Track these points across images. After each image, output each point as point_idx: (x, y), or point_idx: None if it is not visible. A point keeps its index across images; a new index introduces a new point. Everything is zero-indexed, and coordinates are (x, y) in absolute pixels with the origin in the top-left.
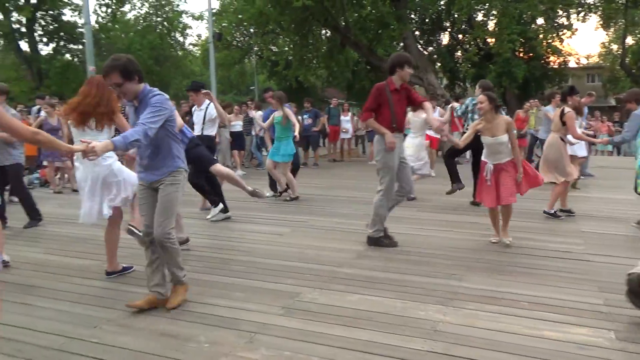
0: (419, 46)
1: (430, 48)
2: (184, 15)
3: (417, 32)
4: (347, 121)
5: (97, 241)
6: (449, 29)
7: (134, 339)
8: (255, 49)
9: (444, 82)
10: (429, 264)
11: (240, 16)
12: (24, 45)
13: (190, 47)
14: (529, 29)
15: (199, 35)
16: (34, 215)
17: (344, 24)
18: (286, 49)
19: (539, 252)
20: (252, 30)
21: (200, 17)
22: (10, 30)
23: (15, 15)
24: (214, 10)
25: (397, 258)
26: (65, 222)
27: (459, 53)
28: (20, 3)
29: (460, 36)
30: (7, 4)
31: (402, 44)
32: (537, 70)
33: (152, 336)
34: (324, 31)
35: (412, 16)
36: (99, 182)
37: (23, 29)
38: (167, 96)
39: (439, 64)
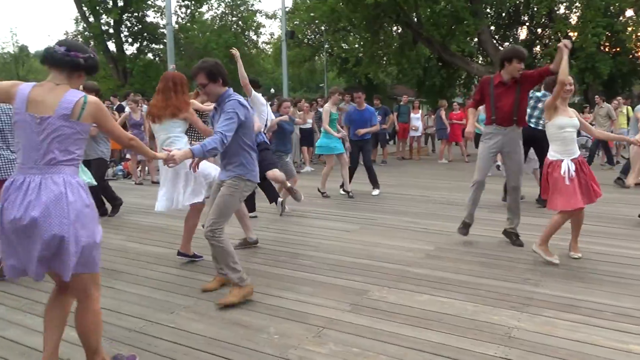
0: (495, 41)
1: (507, 43)
2: (258, 14)
3: (492, 27)
4: (417, 119)
5: (173, 231)
6: (527, 23)
7: (208, 327)
8: (326, 46)
9: None
10: (503, 267)
11: (312, 14)
12: (111, 46)
13: (263, 45)
14: (616, 22)
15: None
16: (115, 203)
17: (416, 20)
18: (357, 46)
19: (624, 259)
20: (323, 27)
21: (273, 16)
22: (100, 32)
23: (104, 18)
24: (287, 9)
25: (468, 260)
26: (145, 212)
27: (537, 48)
28: (109, 6)
29: (539, 30)
30: (97, 7)
31: (476, 40)
32: (625, 66)
33: (224, 325)
34: (395, 28)
35: (488, 10)
36: (182, 174)
37: (111, 30)
38: (242, 100)
39: None
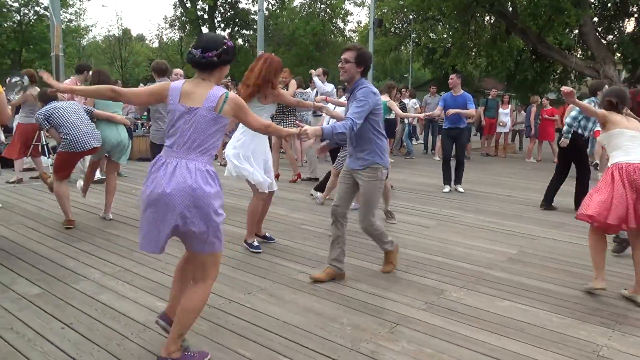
0: (597, 34)
1: (610, 36)
2: (346, 2)
3: (595, 19)
4: (505, 114)
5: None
6: (635, 15)
7: (282, 310)
8: (413, 35)
9: (623, 75)
10: (590, 278)
11: (401, 2)
12: (205, 31)
13: (350, 33)
14: None
15: (359, 22)
16: None
17: (511, 9)
18: (445, 36)
19: None
20: (411, 16)
21: (362, 4)
22: (196, 17)
23: (200, 4)
24: None
25: (555, 267)
26: (228, 193)
27: None
28: None
29: None
30: None
31: (576, 32)
32: None
33: (298, 310)
34: (487, 17)
35: (592, 0)
36: (261, 160)
37: (205, 16)
38: (373, 89)
39: (619, 55)
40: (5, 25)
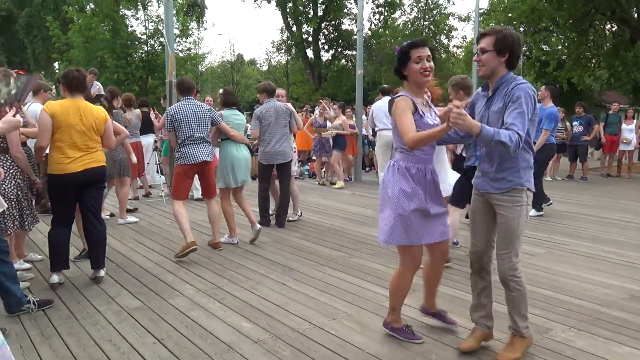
0: None
1: None
2: (450, 18)
3: None
4: (629, 130)
5: (347, 234)
6: None
7: (368, 340)
8: (524, 48)
9: None
10: None
11: (509, 15)
12: (309, 53)
13: (454, 49)
14: None
15: (464, 37)
16: (261, 214)
17: (636, 15)
18: (559, 47)
19: None
20: (521, 29)
21: (467, 19)
22: (301, 40)
23: (305, 27)
24: (482, 11)
25: None
26: (323, 213)
27: None
28: (310, 16)
29: None
30: (300, 18)
31: None
32: None
33: (385, 341)
34: (608, 25)
35: None
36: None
37: (310, 38)
38: (530, 88)
39: None
40: (135, 55)
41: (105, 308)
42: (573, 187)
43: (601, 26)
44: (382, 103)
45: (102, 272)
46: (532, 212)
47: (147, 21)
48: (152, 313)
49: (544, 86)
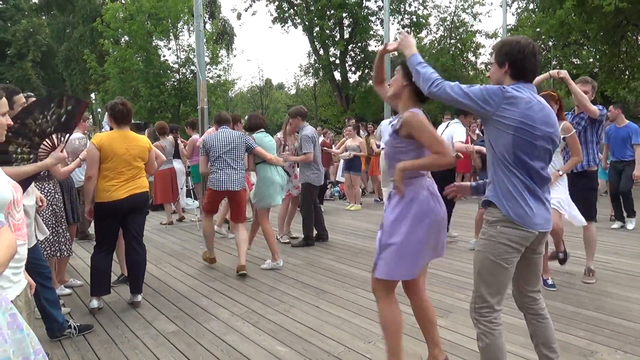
0: None
1: None
2: (477, 35)
3: None
4: None
5: None
6: None
7: None
8: (554, 62)
9: None
10: None
11: (538, 29)
12: (336, 75)
13: (482, 66)
14: None
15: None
16: (307, 235)
17: None
18: (591, 60)
19: None
20: (550, 43)
21: (494, 35)
22: (328, 63)
23: (332, 50)
24: (509, 27)
25: None
26: (355, 234)
27: None
28: (336, 39)
29: None
30: (327, 41)
31: None
32: None
33: None
34: None
35: None
36: None
37: (337, 61)
38: (510, 90)
39: None
40: (168, 84)
41: (142, 332)
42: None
43: (633, 37)
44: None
45: (139, 297)
46: (630, 225)
47: (178, 50)
48: (188, 337)
49: (612, 106)
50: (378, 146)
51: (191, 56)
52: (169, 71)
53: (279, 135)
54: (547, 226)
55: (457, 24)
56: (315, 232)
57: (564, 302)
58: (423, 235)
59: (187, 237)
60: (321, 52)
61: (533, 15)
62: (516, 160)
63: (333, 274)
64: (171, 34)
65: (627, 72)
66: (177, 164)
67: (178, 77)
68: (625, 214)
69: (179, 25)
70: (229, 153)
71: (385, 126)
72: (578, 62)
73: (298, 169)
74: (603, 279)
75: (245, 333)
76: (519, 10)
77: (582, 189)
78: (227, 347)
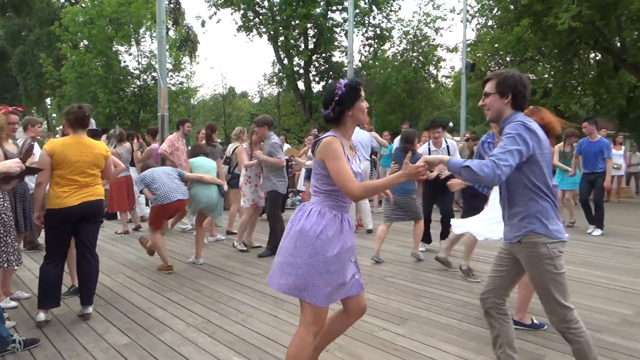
0: None
1: None
2: (439, 49)
3: None
4: (619, 156)
5: None
6: None
7: None
8: None
9: None
10: None
11: (496, 45)
12: (300, 85)
13: (443, 79)
14: None
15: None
16: (275, 245)
17: (619, 44)
18: (546, 76)
19: None
20: (508, 59)
21: (454, 49)
22: (292, 72)
23: (296, 60)
24: (469, 42)
25: None
26: None
27: None
28: (301, 49)
29: None
30: (291, 51)
31: None
32: None
33: None
34: (592, 54)
35: None
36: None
37: (301, 71)
38: (531, 123)
39: None
40: (128, 90)
41: (92, 346)
42: (564, 212)
43: (585, 55)
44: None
45: (90, 309)
46: (597, 232)
47: (140, 56)
48: (141, 350)
49: (586, 122)
50: None
51: (153, 62)
52: (129, 77)
53: (245, 145)
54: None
55: (420, 38)
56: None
57: (513, 308)
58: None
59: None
60: (285, 61)
61: (492, 32)
62: (546, 185)
63: None
64: (133, 39)
65: (579, 88)
66: (134, 172)
67: (139, 84)
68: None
69: (141, 30)
70: (171, 181)
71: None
72: (534, 78)
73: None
74: None
75: (201, 344)
76: (478, 26)
77: None
78: (181, 359)
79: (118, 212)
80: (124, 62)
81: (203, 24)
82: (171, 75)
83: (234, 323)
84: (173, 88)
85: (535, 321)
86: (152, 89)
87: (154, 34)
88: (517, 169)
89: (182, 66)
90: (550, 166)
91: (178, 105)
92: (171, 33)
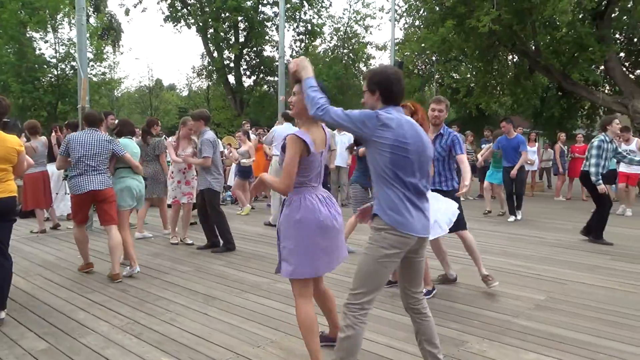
0: (625, 69)
1: (639, 71)
2: (368, 46)
3: (622, 54)
4: (533, 152)
5: (272, 259)
6: None
7: None
8: (437, 76)
9: None
10: (629, 328)
11: (423, 45)
12: (231, 79)
13: None
14: None
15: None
16: (226, 239)
17: (534, 47)
18: (468, 75)
19: None
20: (434, 58)
21: (383, 48)
22: (222, 66)
23: (226, 53)
24: (397, 40)
25: (587, 315)
26: (247, 239)
27: None
28: (231, 42)
29: None
30: (221, 44)
31: (602, 67)
32: None
33: None
34: (510, 56)
35: (617, 36)
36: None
37: (231, 65)
38: (385, 115)
39: None
40: (44, 80)
41: (6, 353)
42: (483, 205)
43: (504, 57)
44: (284, 128)
45: (2, 314)
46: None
47: (57, 44)
48: (61, 354)
49: (503, 121)
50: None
51: (72, 51)
52: (45, 66)
53: (172, 139)
54: (425, 232)
55: (350, 35)
56: (209, 239)
57: (440, 298)
58: (312, 237)
59: (62, 247)
60: (215, 54)
61: (419, 31)
62: (394, 175)
63: (223, 279)
64: (49, 25)
65: (498, 88)
66: (52, 167)
67: (56, 73)
68: (516, 210)
69: (59, 17)
70: (93, 158)
71: (279, 135)
72: (458, 77)
73: (192, 175)
74: (475, 275)
75: (127, 346)
76: (406, 26)
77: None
78: None
79: (34, 210)
80: (39, 49)
81: (127, 12)
82: (92, 66)
83: (163, 322)
84: (94, 79)
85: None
86: (72, 80)
87: (73, 21)
88: (370, 154)
89: (105, 56)
90: (426, 162)
91: (100, 97)
92: (92, 20)
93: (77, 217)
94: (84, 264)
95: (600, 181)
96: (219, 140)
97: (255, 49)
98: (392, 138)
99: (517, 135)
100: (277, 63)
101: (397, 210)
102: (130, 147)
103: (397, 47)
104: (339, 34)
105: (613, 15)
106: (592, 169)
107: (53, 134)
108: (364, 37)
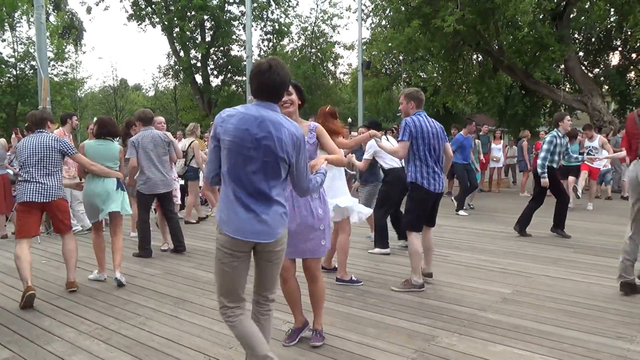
0: (583, 68)
1: (597, 70)
2: (336, 46)
3: (581, 53)
4: (498, 149)
5: None
6: (619, 48)
7: None
8: (404, 75)
9: (612, 106)
10: (591, 319)
11: (389, 44)
12: (198, 78)
13: (341, 75)
14: None
15: (349, 64)
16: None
17: (497, 47)
18: (435, 75)
19: None
20: (401, 57)
21: (351, 47)
22: (189, 66)
23: (193, 52)
24: (365, 40)
25: (551, 307)
26: (214, 240)
27: (632, 74)
28: (198, 41)
29: (633, 55)
30: (187, 43)
31: (562, 66)
32: None
33: None
34: (475, 56)
35: (576, 36)
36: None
37: (198, 64)
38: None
39: (606, 87)
40: (2, 80)
41: None
42: (450, 202)
43: (469, 56)
44: None
45: None
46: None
47: (15, 43)
48: None
49: (467, 120)
50: None
51: (31, 50)
52: (3, 66)
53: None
54: (259, 238)
55: (318, 34)
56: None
57: (410, 294)
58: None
59: None
60: (182, 54)
61: (385, 31)
62: (227, 171)
63: (193, 281)
64: (6, 24)
65: (464, 87)
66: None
67: (15, 73)
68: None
69: (16, 15)
70: (38, 163)
71: None
72: (424, 76)
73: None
74: (443, 271)
75: (95, 352)
76: (373, 25)
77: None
78: None
79: None
80: None
81: (89, 10)
82: (53, 65)
83: (132, 327)
84: (56, 79)
85: (353, 278)
86: (32, 80)
87: (32, 19)
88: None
89: (66, 55)
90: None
91: (62, 98)
92: (52, 19)
93: (22, 230)
94: (25, 287)
95: (545, 174)
96: (174, 139)
97: (222, 48)
98: (227, 132)
99: (468, 136)
100: (244, 62)
101: (222, 208)
102: (97, 149)
103: (364, 47)
104: (306, 33)
105: (572, 15)
106: (539, 161)
107: (13, 136)
108: (331, 36)
